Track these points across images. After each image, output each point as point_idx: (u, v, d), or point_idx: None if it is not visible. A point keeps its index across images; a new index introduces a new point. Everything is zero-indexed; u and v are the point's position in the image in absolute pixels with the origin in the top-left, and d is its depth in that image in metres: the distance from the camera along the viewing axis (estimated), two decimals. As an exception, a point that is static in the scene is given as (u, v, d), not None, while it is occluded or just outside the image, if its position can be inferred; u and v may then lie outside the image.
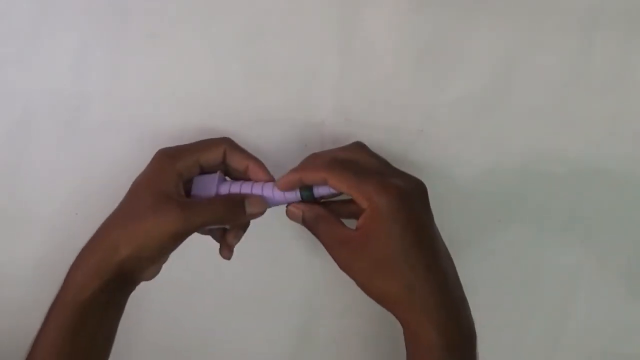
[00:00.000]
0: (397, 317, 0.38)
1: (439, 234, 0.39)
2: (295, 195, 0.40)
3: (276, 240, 0.48)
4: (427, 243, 0.37)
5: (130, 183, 0.47)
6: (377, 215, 0.36)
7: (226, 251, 0.43)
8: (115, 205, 0.47)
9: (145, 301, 0.50)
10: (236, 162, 0.41)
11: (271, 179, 0.41)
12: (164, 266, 0.49)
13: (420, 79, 0.44)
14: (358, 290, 0.44)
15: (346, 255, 0.38)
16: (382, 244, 0.36)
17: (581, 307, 0.50)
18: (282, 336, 0.50)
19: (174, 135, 0.46)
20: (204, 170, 0.41)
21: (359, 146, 0.41)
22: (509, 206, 0.47)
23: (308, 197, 0.40)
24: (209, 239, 0.48)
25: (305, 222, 0.40)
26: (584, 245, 0.48)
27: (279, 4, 0.43)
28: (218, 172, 0.41)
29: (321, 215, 0.40)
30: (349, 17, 0.43)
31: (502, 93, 0.45)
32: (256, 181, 0.41)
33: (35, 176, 0.47)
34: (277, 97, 0.45)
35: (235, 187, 0.41)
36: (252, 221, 0.47)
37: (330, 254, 0.39)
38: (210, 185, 0.41)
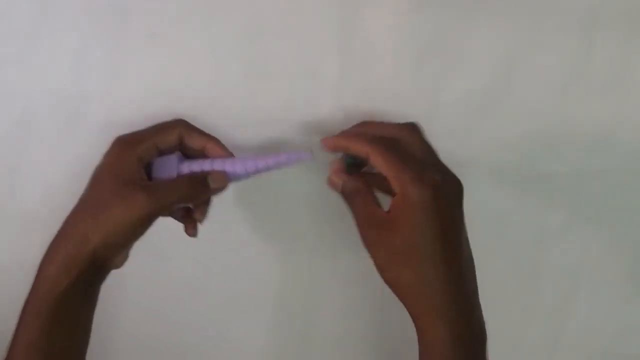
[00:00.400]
0: (407, 310, 0.38)
1: (466, 234, 0.39)
2: (255, 167, 0.41)
3: (276, 240, 0.48)
4: (450, 240, 0.37)
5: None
6: (408, 203, 0.37)
7: (191, 228, 0.44)
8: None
9: (145, 302, 0.50)
10: (193, 142, 0.42)
11: (230, 155, 0.42)
12: (165, 266, 0.49)
13: (420, 79, 0.44)
14: (358, 290, 0.44)
15: (372, 235, 0.38)
16: (407, 232, 0.37)
17: (581, 307, 0.50)
18: (282, 336, 0.50)
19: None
20: (162, 153, 0.42)
21: (412, 129, 0.41)
22: (509, 206, 0.47)
23: (349, 164, 0.41)
24: (208, 240, 0.48)
25: (343, 193, 0.41)
26: (584, 245, 0.48)
27: (279, 4, 0.43)
28: (177, 153, 0.42)
29: (360, 190, 0.40)
30: (349, 17, 0.43)
31: (502, 93, 0.45)
32: (215, 158, 0.42)
33: (35, 176, 0.47)
34: (277, 97, 0.45)
35: (196, 166, 0.41)
36: (254, 221, 0.47)
37: (358, 229, 0.39)
38: (171, 167, 0.41)
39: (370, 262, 0.39)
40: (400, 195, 0.37)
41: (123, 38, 0.44)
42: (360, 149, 0.39)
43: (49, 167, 0.47)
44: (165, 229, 0.48)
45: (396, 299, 0.49)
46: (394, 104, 0.45)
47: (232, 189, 0.47)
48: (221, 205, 0.47)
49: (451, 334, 0.36)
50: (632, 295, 0.50)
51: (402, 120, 0.44)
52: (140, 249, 0.48)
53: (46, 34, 0.44)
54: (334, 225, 0.46)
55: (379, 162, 0.38)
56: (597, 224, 0.48)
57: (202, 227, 0.48)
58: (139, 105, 0.45)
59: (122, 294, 0.50)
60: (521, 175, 0.47)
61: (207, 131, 0.43)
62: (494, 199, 0.47)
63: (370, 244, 0.38)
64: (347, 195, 0.40)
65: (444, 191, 0.37)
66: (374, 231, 0.38)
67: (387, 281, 0.38)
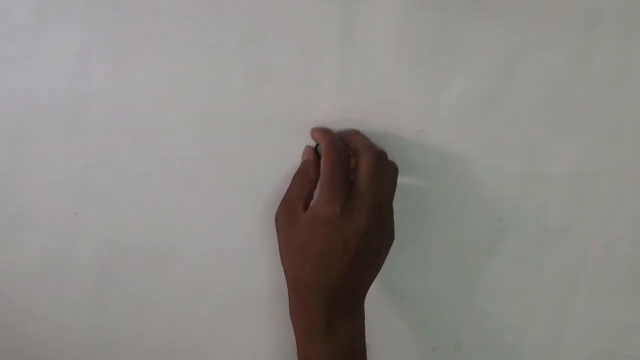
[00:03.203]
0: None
1: (351, 265, 0.41)
2: None
3: (276, 239, 0.48)
4: (328, 262, 0.41)
5: (129, 183, 0.47)
6: (310, 214, 0.42)
7: None
8: (114, 205, 0.48)
9: (146, 302, 0.50)
10: None
11: None
12: (165, 266, 0.49)
13: (420, 79, 0.44)
14: (358, 290, 0.43)
15: (283, 217, 0.44)
16: (302, 236, 0.42)
17: (581, 307, 0.50)
18: (282, 336, 0.50)
19: (174, 135, 0.46)
20: None
21: (374, 158, 0.42)
22: (509, 206, 0.47)
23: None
24: (209, 240, 0.48)
25: (301, 164, 0.45)
26: (584, 245, 0.48)
27: (279, 4, 0.43)
28: None
29: (306, 175, 0.44)
30: (349, 17, 0.43)
31: (502, 93, 0.45)
32: None
33: (35, 176, 0.47)
34: (277, 97, 0.45)
35: None
36: (254, 219, 0.47)
37: (281, 202, 0.44)
38: None
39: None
40: (315, 203, 0.42)
41: (123, 38, 0.44)
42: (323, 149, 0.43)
43: (49, 167, 0.47)
44: (166, 229, 0.48)
45: (392, 299, 0.49)
46: (394, 104, 0.45)
47: (232, 189, 0.47)
48: (221, 205, 0.47)
49: (297, 323, 0.42)
50: (632, 295, 0.50)
51: (403, 119, 0.44)
52: (141, 249, 0.48)
53: (46, 34, 0.44)
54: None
55: (320, 169, 0.42)
56: (597, 224, 0.48)
57: (202, 227, 0.48)
58: (139, 105, 0.46)
59: (123, 293, 0.50)
60: (521, 175, 0.47)
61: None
62: (494, 199, 0.47)
63: (277, 225, 0.44)
64: (299, 169, 0.45)
65: (348, 219, 0.41)
66: (286, 218, 0.43)
67: (282, 262, 0.44)
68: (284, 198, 0.44)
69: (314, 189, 0.44)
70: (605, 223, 0.48)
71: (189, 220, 0.48)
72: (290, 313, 0.43)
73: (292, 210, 0.43)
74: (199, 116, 0.46)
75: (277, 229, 0.44)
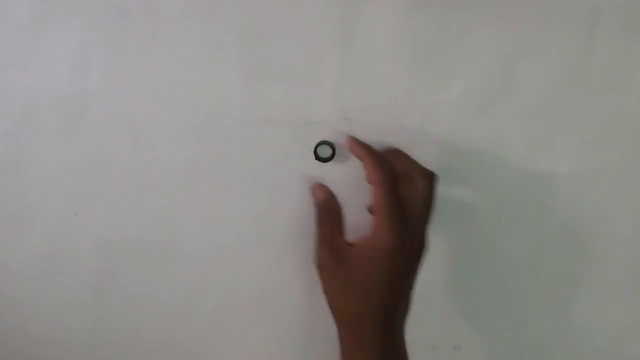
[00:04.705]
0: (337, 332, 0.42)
1: (411, 286, 0.41)
2: None
3: (277, 239, 0.48)
4: (396, 291, 0.40)
5: (129, 183, 0.47)
6: (375, 247, 0.39)
7: None
8: (114, 205, 0.48)
9: (146, 302, 0.50)
10: None
11: None
12: (165, 266, 0.49)
13: (420, 79, 0.45)
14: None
15: (328, 259, 0.42)
16: (364, 272, 0.40)
17: (581, 307, 0.50)
18: (282, 336, 0.50)
19: (174, 135, 0.46)
20: None
21: (428, 180, 0.41)
22: (509, 206, 0.47)
23: (323, 158, 0.45)
24: (208, 239, 0.48)
25: (317, 205, 0.45)
26: (584, 245, 0.48)
27: (279, 4, 0.43)
28: None
29: (333, 211, 0.44)
30: (349, 17, 0.43)
31: (502, 93, 0.45)
32: None
33: (35, 176, 0.47)
34: (277, 97, 0.45)
35: None
36: (254, 220, 0.47)
37: (316, 246, 0.43)
38: None
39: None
40: (373, 235, 0.39)
41: (123, 38, 0.44)
42: (371, 174, 0.40)
43: (49, 167, 0.47)
44: (166, 229, 0.48)
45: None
46: (393, 104, 0.45)
47: (232, 189, 0.47)
48: (221, 204, 0.47)
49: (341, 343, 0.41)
50: (632, 295, 0.50)
51: (403, 119, 0.44)
52: (141, 249, 0.48)
53: (46, 34, 0.44)
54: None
55: (376, 197, 0.40)
56: (597, 224, 0.48)
57: (201, 227, 0.48)
58: (139, 105, 0.46)
59: (122, 293, 0.50)
60: (521, 175, 0.47)
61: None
62: (493, 199, 0.47)
63: (323, 267, 0.42)
64: (320, 210, 0.44)
65: (409, 248, 0.40)
66: (332, 257, 0.41)
67: (330, 305, 0.41)
68: (318, 241, 0.43)
69: (344, 222, 0.44)
70: (605, 223, 0.48)
71: (188, 220, 0.48)
72: (341, 354, 0.42)
73: (336, 249, 0.41)
74: (199, 116, 0.46)
75: (320, 272, 0.42)
